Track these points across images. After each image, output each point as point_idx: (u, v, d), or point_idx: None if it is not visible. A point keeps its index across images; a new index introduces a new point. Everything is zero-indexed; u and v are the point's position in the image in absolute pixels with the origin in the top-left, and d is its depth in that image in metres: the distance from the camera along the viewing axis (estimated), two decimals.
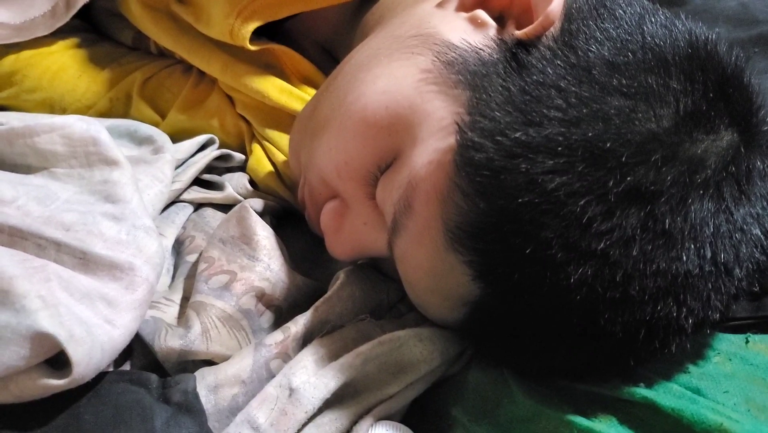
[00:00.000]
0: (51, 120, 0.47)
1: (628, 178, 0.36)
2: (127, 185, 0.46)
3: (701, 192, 0.37)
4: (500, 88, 0.39)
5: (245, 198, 0.56)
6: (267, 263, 0.46)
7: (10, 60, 0.62)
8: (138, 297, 0.42)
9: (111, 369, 0.42)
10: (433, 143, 0.40)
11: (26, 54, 0.62)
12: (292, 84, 0.58)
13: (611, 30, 0.39)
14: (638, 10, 0.41)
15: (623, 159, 0.36)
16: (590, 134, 0.36)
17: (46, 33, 0.60)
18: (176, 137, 0.58)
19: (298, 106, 0.57)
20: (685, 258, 0.36)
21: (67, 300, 0.40)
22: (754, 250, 0.38)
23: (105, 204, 0.46)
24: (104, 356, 0.40)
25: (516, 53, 0.40)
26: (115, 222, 0.44)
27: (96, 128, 0.48)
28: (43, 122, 0.47)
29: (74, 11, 0.60)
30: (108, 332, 0.40)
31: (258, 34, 0.56)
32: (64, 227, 0.43)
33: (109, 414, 0.38)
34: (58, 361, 0.38)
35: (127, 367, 0.43)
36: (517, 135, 0.37)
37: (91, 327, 0.39)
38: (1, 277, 0.38)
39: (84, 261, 0.42)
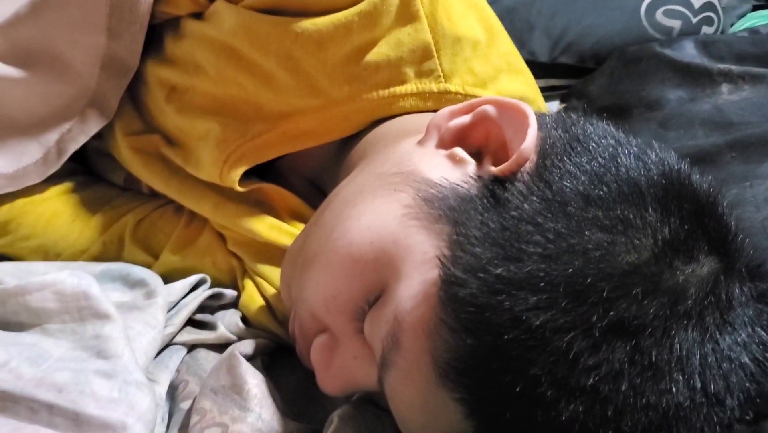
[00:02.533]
0: (43, 278, 0.48)
1: (611, 313, 0.36)
2: (118, 339, 0.47)
3: (684, 322, 0.37)
4: (479, 224, 0.40)
5: (237, 336, 0.56)
6: (258, 412, 0.45)
7: (5, 209, 0.63)
8: None
9: None
10: (418, 277, 0.40)
11: (20, 202, 0.63)
12: (281, 219, 0.59)
13: (585, 164, 0.40)
14: (612, 142, 0.42)
15: (605, 294, 0.36)
16: (570, 270, 0.36)
17: (38, 181, 0.62)
18: (169, 277, 0.59)
19: (288, 241, 0.57)
20: (674, 390, 0.36)
21: None
22: (744, 378, 0.38)
23: (97, 360, 0.46)
24: None
25: (493, 189, 0.41)
26: (107, 379, 0.44)
27: (87, 282, 0.48)
28: (36, 281, 0.48)
29: (66, 158, 0.61)
30: None
31: (247, 172, 0.57)
32: (57, 388, 0.43)
33: None
34: None
35: None
36: (499, 271, 0.37)
37: None
38: None
39: (77, 422, 0.42)
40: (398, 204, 0.43)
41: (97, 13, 0.59)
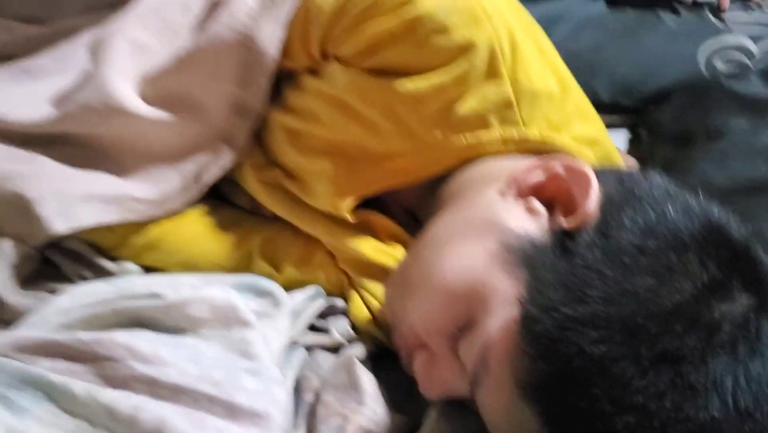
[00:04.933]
0: (199, 293, 0.60)
1: (657, 346, 0.45)
2: (259, 343, 0.59)
3: (719, 352, 0.46)
4: (551, 270, 0.50)
5: (348, 340, 0.67)
6: (372, 407, 0.57)
7: (156, 229, 0.75)
8: None
9: None
10: (502, 313, 0.51)
11: (168, 223, 0.76)
12: (383, 242, 0.70)
13: (638, 218, 0.50)
14: (662, 195, 0.52)
15: (652, 331, 0.46)
16: (624, 311, 0.46)
17: (179, 206, 0.74)
18: (289, 288, 0.71)
19: (388, 261, 0.68)
20: (710, 406, 0.45)
21: None
22: None
23: (244, 360, 0.58)
24: None
25: (563, 240, 0.51)
26: (253, 376, 0.56)
27: (234, 297, 0.60)
28: (194, 295, 0.60)
29: (203, 187, 0.74)
30: None
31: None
32: (214, 383, 0.55)
33: None
34: None
35: None
36: (567, 311, 0.47)
37: None
38: (174, 431, 0.51)
39: (231, 411, 0.54)
40: (484, 249, 0.53)
41: (230, 67, 0.71)
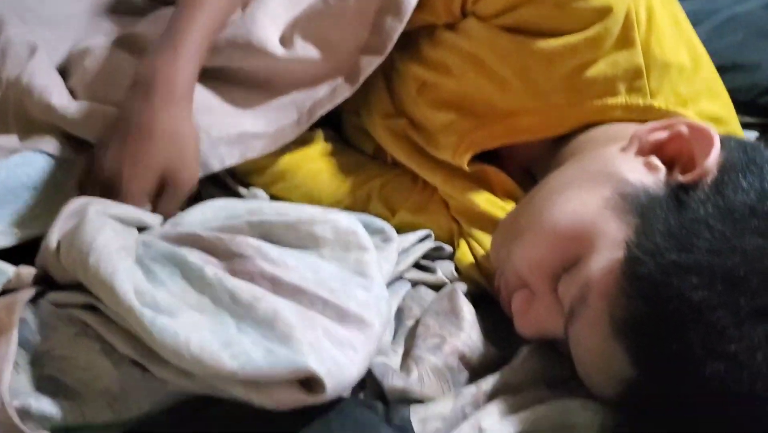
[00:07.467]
0: (326, 215, 0.65)
1: (757, 301, 0.46)
2: (373, 265, 0.63)
3: None
4: (662, 220, 0.51)
5: (450, 282, 0.71)
6: (468, 333, 0.60)
7: (285, 161, 0.81)
8: (371, 347, 0.57)
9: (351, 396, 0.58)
10: (607, 254, 0.53)
11: (295, 158, 0.81)
12: (497, 196, 0.73)
13: (756, 183, 0.51)
14: None
15: (753, 285, 0.47)
16: (729, 263, 0.47)
17: (292, 139, 0.77)
18: (401, 229, 0.75)
19: (500, 214, 0.71)
20: None
21: (329, 346, 0.55)
22: None
23: (358, 277, 0.62)
24: (345, 386, 0.55)
25: (677, 194, 0.53)
26: (365, 291, 0.60)
27: (355, 223, 0.65)
28: (321, 216, 0.64)
29: (314, 120, 0.77)
30: (350, 369, 0.55)
31: (473, 156, 0.72)
32: (330, 290, 0.59)
33: (350, 427, 0.53)
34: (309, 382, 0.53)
35: (362, 396, 0.58)
36: (672, 257, 0.49)
37: (341, 366, 0.54)
38: (287, 325, 0.55)
39: (341, 315, 0.58)
40: (599, 196, 0.55)
41: (367, 16, 0.75)
